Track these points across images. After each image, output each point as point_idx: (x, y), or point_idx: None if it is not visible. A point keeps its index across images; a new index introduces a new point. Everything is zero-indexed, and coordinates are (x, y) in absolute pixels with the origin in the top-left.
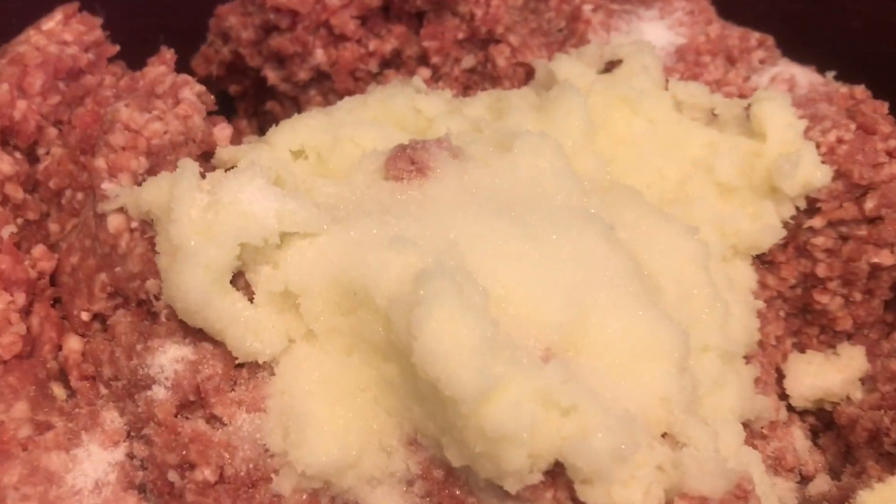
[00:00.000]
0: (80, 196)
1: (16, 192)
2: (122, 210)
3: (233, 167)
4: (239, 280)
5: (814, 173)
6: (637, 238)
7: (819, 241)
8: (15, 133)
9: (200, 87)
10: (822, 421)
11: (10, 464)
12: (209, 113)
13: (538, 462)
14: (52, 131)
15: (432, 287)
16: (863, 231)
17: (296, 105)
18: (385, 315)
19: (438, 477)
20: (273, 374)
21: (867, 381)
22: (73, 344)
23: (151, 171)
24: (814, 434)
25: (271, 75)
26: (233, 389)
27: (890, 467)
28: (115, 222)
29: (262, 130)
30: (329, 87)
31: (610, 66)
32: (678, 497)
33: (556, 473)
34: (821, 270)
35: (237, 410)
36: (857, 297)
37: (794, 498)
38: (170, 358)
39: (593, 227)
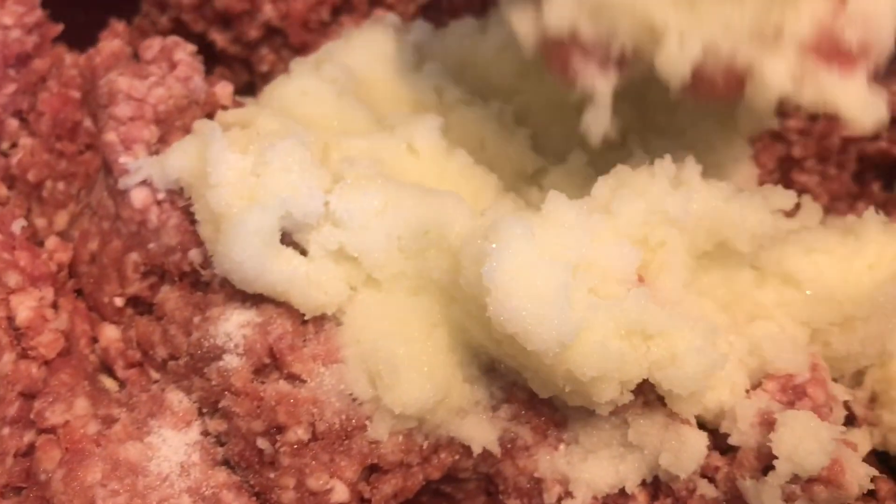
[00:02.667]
0: (61, 186)
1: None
2: (145, 183)
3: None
4: (285, 238)
5: None
6: None
7: (791, 123)
8: None
9: (192, 47)
10: None
11: (89, 461)
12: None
13: (628, 386)
14: (13, 122)
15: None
16: None
17: (247, 67)
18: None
19: (523, 398)
20: (340, 324)
21: None
22: (110, 333)
23: (163, 140)
24: None
25: (219, 38)
26: (305, 346)
27: None
28: (139, 196)
29: None
30: (281, 42)
31: None
32: (765, 379)
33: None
34: (797, 152)
35: (314, 366)
36: (832, 171)
37: None
38: (234, 324)
39: None
